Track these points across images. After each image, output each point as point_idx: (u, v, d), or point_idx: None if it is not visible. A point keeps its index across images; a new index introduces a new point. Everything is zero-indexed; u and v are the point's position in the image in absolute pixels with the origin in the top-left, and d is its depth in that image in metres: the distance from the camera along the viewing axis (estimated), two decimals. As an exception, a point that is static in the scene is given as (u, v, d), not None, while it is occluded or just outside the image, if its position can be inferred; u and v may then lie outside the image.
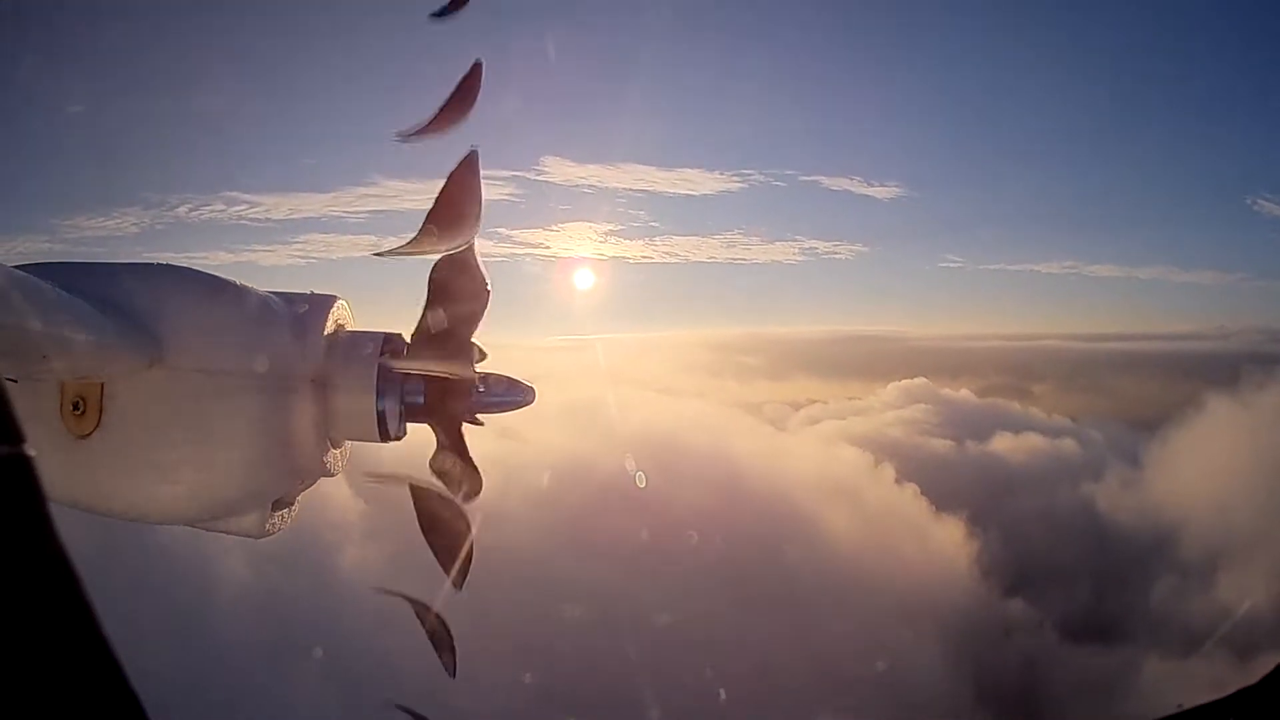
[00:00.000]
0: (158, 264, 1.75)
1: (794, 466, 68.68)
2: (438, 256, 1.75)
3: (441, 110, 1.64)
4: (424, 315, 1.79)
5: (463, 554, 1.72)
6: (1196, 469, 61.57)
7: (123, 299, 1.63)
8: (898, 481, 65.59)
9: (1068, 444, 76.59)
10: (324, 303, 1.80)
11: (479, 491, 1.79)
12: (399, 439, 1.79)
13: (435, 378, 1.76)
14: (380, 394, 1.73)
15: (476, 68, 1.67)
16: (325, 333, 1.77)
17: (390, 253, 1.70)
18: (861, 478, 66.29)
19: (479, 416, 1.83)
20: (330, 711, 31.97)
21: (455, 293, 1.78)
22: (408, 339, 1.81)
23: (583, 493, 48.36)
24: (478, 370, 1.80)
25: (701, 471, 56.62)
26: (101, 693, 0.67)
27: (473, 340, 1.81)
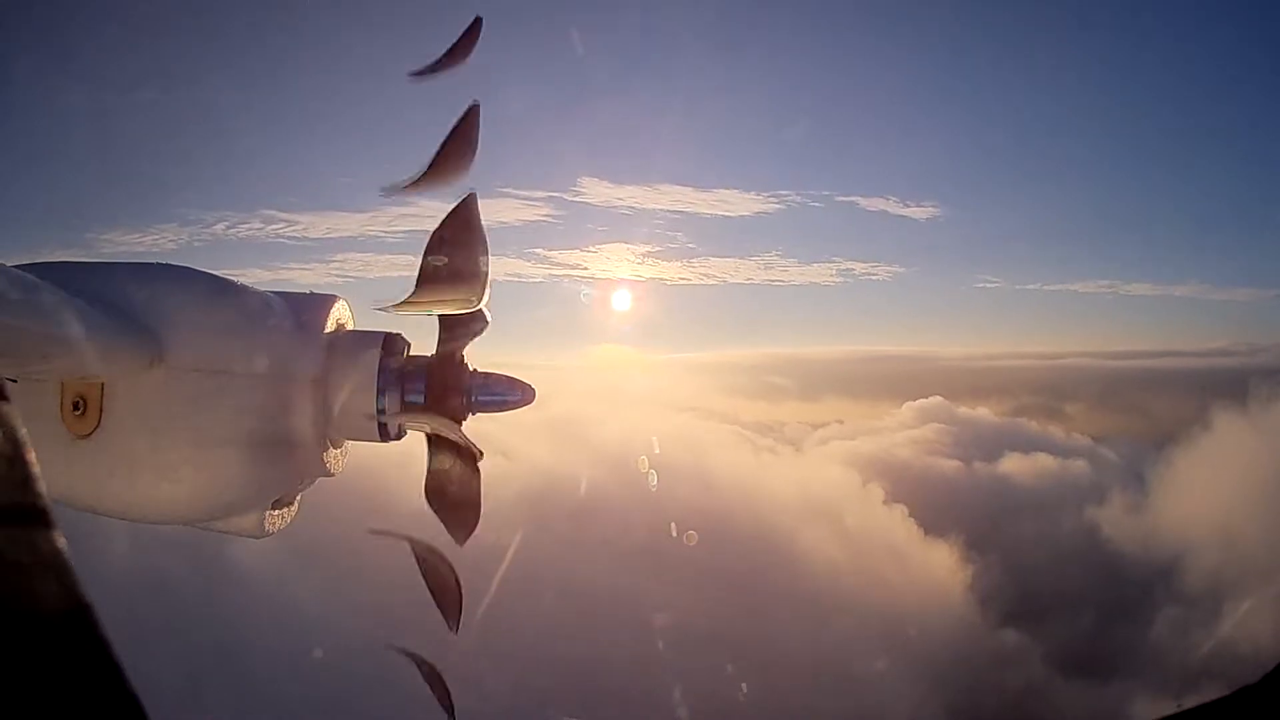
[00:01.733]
0: (158, 264, 1.76)
1: (777, 488, 67.54)
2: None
3: (437, 159, 1.57)
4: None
5: (458, 605, 1.73)
6: (1205, 490, 59.99)
7: (123, 299, 1.63)
8: (886, 503, 64.33)
9: (1078, 465, 75.22)
10: (324, 302, 1.81)
11: (478, 511, 1.76)
12: (398, 439, 1.80)
13: (435, 378, 1.77)
14: (380, 394, 1.73)
15: (473, 111, 1.61)
16: (325, 332, 1.77)
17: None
18: (846, 499, 64.89)
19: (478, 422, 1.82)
20: (329, 711, 31.85)
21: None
22: (408, 339, 1.82)
23: (559, 512, 47.29)
24: (478, 369, 1.80)
25: (679, 492, 55.77)
26: (101, 693, 0.67)
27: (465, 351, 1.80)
